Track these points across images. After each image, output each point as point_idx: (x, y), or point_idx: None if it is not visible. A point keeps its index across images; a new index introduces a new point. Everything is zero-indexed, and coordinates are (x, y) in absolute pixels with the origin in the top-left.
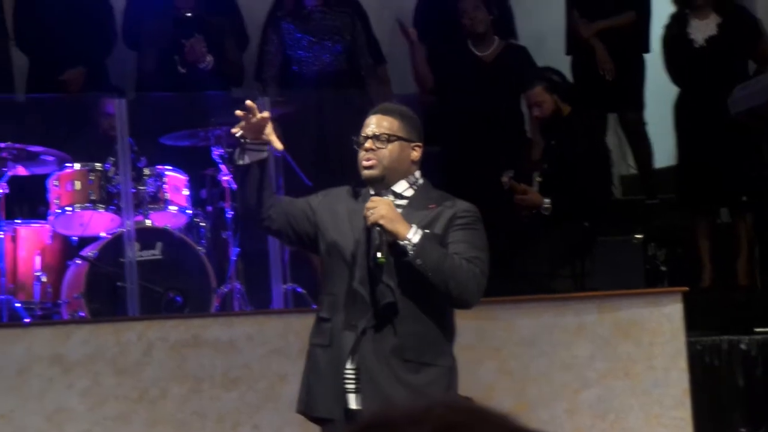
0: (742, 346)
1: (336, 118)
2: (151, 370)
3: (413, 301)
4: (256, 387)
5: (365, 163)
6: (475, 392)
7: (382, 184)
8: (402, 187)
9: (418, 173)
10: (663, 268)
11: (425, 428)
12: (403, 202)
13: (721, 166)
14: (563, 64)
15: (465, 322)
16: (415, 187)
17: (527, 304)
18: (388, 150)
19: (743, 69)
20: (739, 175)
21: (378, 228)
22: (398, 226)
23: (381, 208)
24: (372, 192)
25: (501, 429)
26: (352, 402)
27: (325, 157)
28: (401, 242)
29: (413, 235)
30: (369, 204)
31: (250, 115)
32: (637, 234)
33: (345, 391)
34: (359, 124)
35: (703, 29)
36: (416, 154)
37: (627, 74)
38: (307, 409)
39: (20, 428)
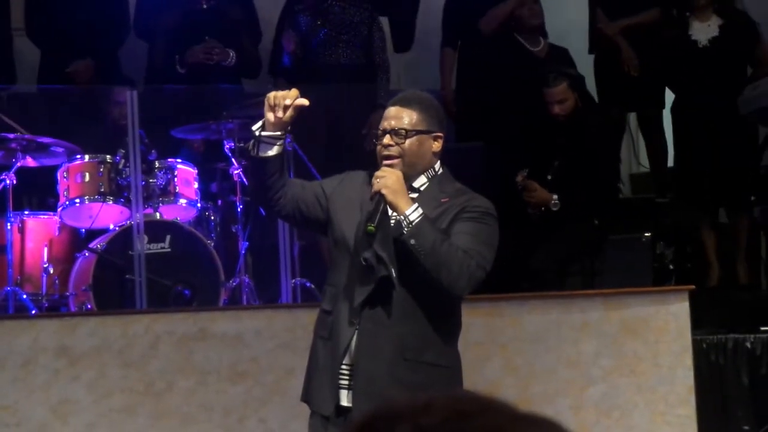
0: (748, 345)
1: (351, 112)
2: (157, 362)
3: (416, 297)
4: (263, 381)
5: (385, 160)
6: (480, 388)
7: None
8: (421, 181)
9: (438, 164)
10: (671, 267)
11: (435, 417)
12: (416, 195)
13: (721, 166)
14: (585, 62)
15: (472, 318)
16: (432, 179)
17: (534, 300)
18: (408, 145)
19: (743, 71)
20: (740, 174)
21: (379, 196)
22: (400, 199)
23: (388, 178)
24: None
25: (507, 416)
26: (344, 399)
27: (339, 152)
28: (398, 217)
29: (412, 213)
30: (378, 172)
31: (284, 107)
32: (646, 232)
33: (339, 387)
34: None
35: (705, 30)
36: (438, 145)
37: (649, 72)
38: (306, 397)
39: (25, 419)
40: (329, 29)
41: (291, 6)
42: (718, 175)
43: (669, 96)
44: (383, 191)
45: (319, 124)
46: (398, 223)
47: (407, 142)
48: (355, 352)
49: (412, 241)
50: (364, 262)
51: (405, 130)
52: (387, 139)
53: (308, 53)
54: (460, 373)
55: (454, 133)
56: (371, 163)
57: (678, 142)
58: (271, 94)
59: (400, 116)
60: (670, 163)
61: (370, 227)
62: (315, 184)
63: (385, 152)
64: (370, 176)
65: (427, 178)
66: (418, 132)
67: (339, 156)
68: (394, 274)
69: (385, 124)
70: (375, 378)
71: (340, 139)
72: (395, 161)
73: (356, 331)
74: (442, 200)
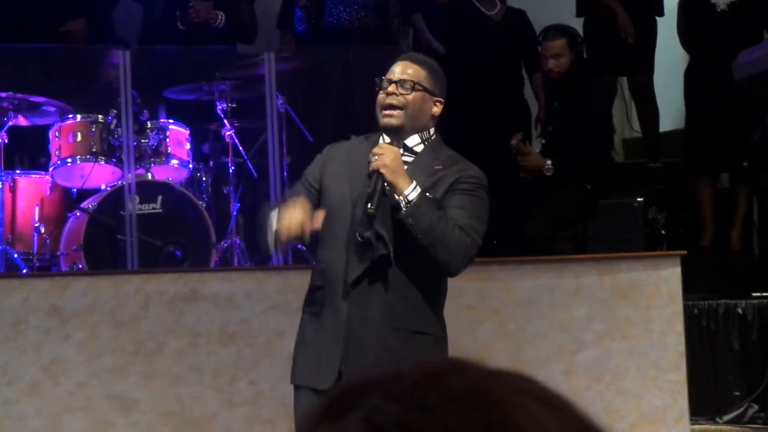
0: (739, 311)
1: (364, 73)
2: (148, 323)
3: (405, 266)
4: (253, 343)
5: (387, 110)
6: (472, 352)
7: (398, 134)
8: (414, 141)
9: (432, 129)
10: (663, 232)
11: (405, 382)
12: (410, 158)
13: (726, 131)
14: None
15: (465, 282)
16: (426, 144)
17: (527, 265)
18: (412, 97)
19: (759, 37)
20: (742, 141)
21: (377, 175)
22: (399, 178)
23: (386, 156)
24: (384, 141)
25: (481, 373)
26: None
27: (350, 112)
28: (397, 197)
29: (411, 192)
30: (376, 149)
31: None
32: (638, 197)
33: (330, 361)
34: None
35: None
36: (437, 109)
37: (640, 37)
38: (295, 375)
39: (16, 379)
40: None
41: None
42: (727, 140)
43: (674, 60)
44: (382, 170)
45: (333, 84)
46: (396, 201)
47: (412, 94)
48: (347, 324)
49: (410, 221)
50: (361, 239)
51: (413, 82)
52: (392, 88)
53: (321, 14)
54: (446, 342)
55: None
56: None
57: (690, 105)
58: (290, 223)
59: (407, 70)
60: (663, 128)
61: (371, 209)
62: (305, 182)
63: (389, 100)
64: (355, 146)
65: (422, 139)
66: (424, 89)
67: (352, 116)
68: (392, 253)
69: (392, 75)
70: (366, 347)
71: (351, 105)
72: (397, 112)
73: (348, 305)
74: (436, 167)
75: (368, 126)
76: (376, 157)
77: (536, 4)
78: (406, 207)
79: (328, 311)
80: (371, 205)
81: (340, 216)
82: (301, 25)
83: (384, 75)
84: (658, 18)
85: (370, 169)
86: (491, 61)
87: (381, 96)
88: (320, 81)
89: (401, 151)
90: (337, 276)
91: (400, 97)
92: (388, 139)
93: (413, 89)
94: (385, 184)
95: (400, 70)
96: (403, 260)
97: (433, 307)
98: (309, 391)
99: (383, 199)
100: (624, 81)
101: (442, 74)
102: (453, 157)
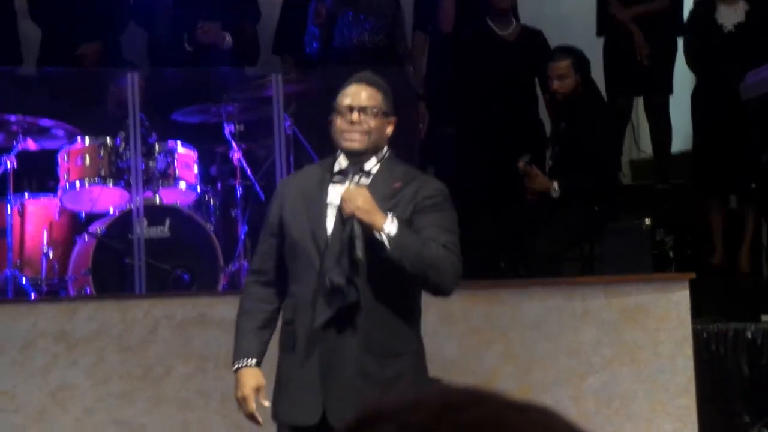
0: (748, 334)
1: None
2: (156, 348)
3: (375, 291)
4: (261, 367)
5: (353, 135)
6: (479, 376)
7: (359, 158)
8: (372, 163)
9: (386, 147)
10: (671, 254)
11: (423, 413)
12: (367, 181)
13: (734, 152)
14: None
15: (472, 305)
16: (381, 162)
17: (534, 287)
18: (374, 123)
19: (766, 58)
20: (750, 162)
21: (353, 220)
22: (375, 217)
23: (357, 199)
24: (339, 167)
25: (503, 404)
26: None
27: None
28: (378, 235)
29: (389, 226)
30: (344, 195)
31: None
32: (646, 219)
33: (311, 397)
34: (396, 101)
35: (731, 15)
36: (391, 128)
37: (659, 57)
38: (276, 413)
39: (23, 404)
40: (355, 11)
41: None
42: (734, 162)
43: (682, 80)
44: (357, 214)
45: None
46: (379, 241)
47: (374, 121)
48: (321, 357)
49: (397, 254)
50: (330, 285)
51: (376, 108)
52: (356, 116)
53: (332, 35)
54: (424, 357)
55: (428, 118)
56: (398, 152)
57: (697, 127)
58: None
59: (367, 95)
60: (674, 148)
61: (359, 259)
62: (268, 231)
63: (356, 128)
64: (308, 175)
65: (378, 159)
66: (383, 112)
67: None
68: (361, 299)
69: (352, 101)
70: (344, 378)
71: None
72: (360, 136)
73: (321, 339)
74: (395, 185)
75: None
76: (347, 202)
77: (558, 23)
78: (390, 243)
79: (302, 345)
80: (358, 254)
81: (303, 250)
82: (315, 43)
83: (412, 99)
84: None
85: (344, 215)
86: (504, 81)
87: (340, 123)
88: (329, 102)
89: (361, 175)
90: (307, 313)
91: (363, 124)
92: (345, 162)
93: (376, 116)
94: (360, 225)
95: (365, 95)
96: (375, 285)
97: (408, 325)
98: (291, 429)
99: (359, 244)
100: (635, 101)
101: (390, 92)
102: (410, 173)
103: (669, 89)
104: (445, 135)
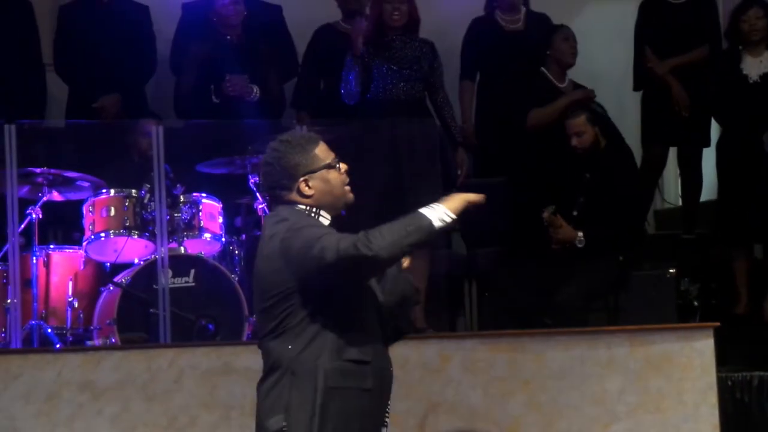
0: None
1: (409, 146)
2: (181, 397)
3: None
4: None
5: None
6: (503, 425)
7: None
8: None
9: None
10: (695, 303)
11: None
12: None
13: (758, 201)
14: (628, 98)
15: (495, 354)
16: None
17: (558, 336)
18: None
19: None
20: None
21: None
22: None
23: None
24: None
25: None
26: None
27: (399, 186)
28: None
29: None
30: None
31: None
32: (670, 269)
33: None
34: (433, 152)
35: (757, 66)
36: None
37: (698, 109)
38: None
39: None
40: (390, 64)
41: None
42: (759, 211)
43: (713, 134)
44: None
45: (378, 158)
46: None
47: None
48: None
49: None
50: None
51: None
52: (345, 167)
53: (369, 87)
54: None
55: (475, 167)
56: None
57: (722, 176)
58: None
59: None
60: (702, 198)
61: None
62: None
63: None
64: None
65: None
66: None
67: (400, 190)
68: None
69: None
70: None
71: (399, 178)
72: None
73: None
74: None
75: (417, 198)
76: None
77: (588, 82)
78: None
79: (377, 384)
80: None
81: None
82: (354, 87)
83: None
84: None
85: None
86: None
87: (342, 177)
88: (360, 153)
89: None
90: (374, 348)
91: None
92: (328, 217)
93: None
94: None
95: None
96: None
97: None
98: None
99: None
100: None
101: None
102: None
103: (707, 142)
104: (495, 184)
